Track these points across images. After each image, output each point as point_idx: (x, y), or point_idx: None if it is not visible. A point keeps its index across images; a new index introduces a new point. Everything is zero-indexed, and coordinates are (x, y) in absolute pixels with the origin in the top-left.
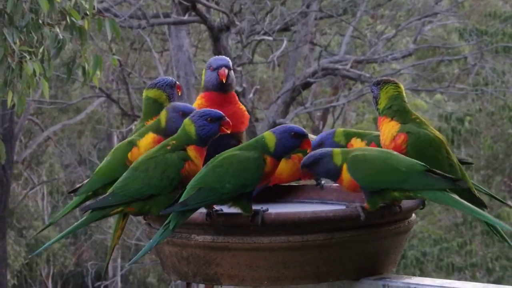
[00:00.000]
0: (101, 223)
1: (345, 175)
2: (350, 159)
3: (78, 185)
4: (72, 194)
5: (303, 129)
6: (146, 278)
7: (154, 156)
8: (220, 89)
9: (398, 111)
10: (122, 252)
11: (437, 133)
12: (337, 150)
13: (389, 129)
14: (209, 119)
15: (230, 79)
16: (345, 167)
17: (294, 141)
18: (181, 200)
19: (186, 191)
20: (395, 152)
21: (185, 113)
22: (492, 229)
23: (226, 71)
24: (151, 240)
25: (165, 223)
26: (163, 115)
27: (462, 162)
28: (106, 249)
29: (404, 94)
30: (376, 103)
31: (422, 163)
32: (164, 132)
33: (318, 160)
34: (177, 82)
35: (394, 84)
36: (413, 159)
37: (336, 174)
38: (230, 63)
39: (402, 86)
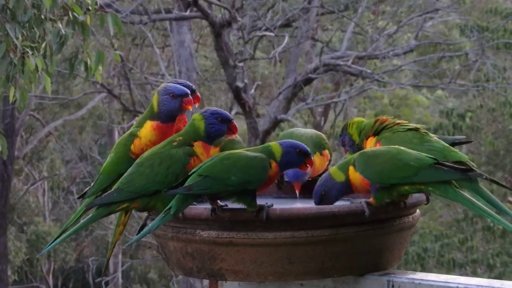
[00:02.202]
0: (102, 218)
1: (353, 175)
2: (358, 157)
3: (85, 190)
4: (81, 199)
5: (307, 148)
6: (147, 274)
7: (159, 151)
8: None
9: (365, 129)
10: (123, 248)
11: (412, 125)
12: (332, 169)
13: (370, 145)
14: (219, 119)
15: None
16: (351, 168)
17: (297, 158)
18: (185, 185)
19: (191, 178)
20: (402, 148)
21: (175, 95)
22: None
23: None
24: (150, 224)
25: (166, 208)
26: (154, 99)
27: (460, 142)
28: (107, 244)
29: (364, 119)
30: (353, 144)
31: (432, 156)
32: (159, 116)
33: (325, 190)
34: (198, 93)
35: (351, 120)
36: (422, 153)
37: (347, 187)
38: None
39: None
